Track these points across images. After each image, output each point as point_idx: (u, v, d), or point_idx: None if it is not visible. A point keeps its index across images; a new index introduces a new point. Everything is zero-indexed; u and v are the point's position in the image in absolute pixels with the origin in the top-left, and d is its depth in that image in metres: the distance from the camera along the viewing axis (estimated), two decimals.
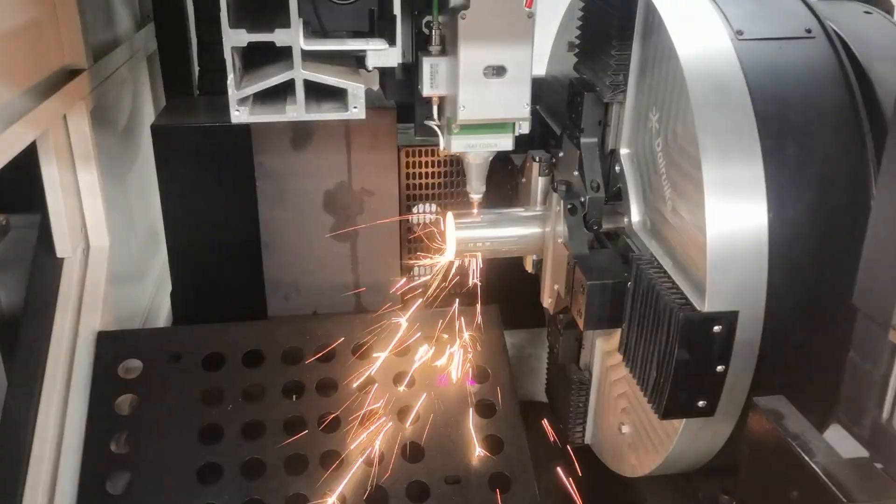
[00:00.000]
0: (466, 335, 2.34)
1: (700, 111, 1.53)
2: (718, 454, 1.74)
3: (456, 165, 2.46)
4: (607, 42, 1.79)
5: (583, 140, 1.91)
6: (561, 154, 2.07)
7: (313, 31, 1.70)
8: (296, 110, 1.69)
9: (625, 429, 1.92)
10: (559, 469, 2.12)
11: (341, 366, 2.31)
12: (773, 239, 1.51)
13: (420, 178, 2.48)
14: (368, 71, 1.79)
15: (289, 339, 2.35)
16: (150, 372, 2.26)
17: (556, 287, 2.08)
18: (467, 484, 2.09)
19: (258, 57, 1.75)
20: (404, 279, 2.53)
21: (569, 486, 2.08)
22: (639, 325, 1.66)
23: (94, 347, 2.28)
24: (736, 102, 1.56)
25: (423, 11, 1.79)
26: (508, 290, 2.43)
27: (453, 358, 2.31)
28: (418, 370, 2.30)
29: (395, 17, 1.67)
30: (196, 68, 3.12)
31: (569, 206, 1.91)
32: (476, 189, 2.03)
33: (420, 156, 2.45)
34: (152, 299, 3.04)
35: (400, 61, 1.75)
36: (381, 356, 2.31)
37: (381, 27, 1.73)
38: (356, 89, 1.71)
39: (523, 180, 2.24)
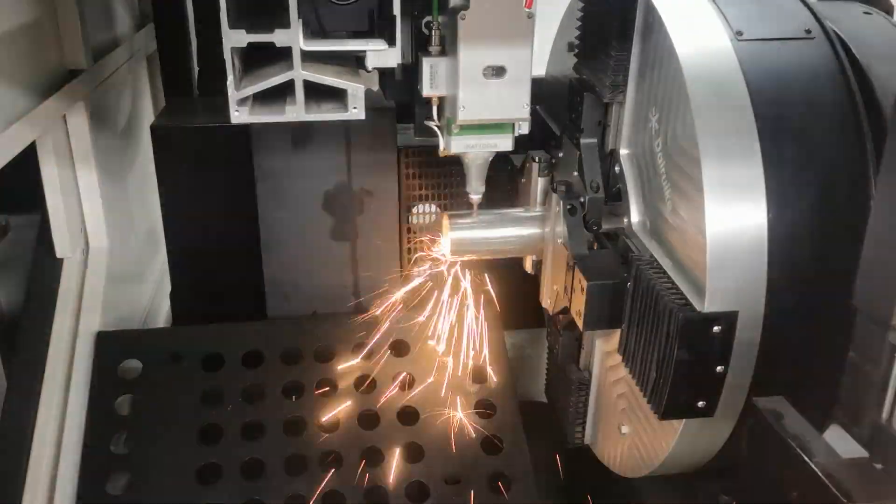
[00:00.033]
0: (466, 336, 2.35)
1: (700, 112, 1.53)
2: (718, 455, 1.73)
3: (456, 166, 2.45)
4: (607, 42, 1.79)
5: (582, 140, 1.91)
6: (560, 154, 2.07)
7: (313, 31, 1.70)
8: (295, 111, 1.69)
9: (624, 429, 1.92)
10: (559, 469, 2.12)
11: (341, 366, 2.31)
12: (773, 239, 1.51)
13: (420, 178, 2.48)
14: (368, 71, 1.79)
15: (288, 340, 2.35)
16: (150, 372, 2.26)
17: (555, 287, 2.08)
18: (467, 484, 2.10)
19: (258, 57, 1.75)
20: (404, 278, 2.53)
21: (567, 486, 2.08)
22: (638, 325, 1.66)
23: (94, 348, 2.28)
24: (735, 103, 1.56)
25: (422, 12, 1.79)
26: (508, 290, 2.42)
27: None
28: (418, 371, 2.30)
29: (394, 17, 1.66)
30: (196, 69, 3.12)
31: (568, 207, 1.91)
32: (475, 189, 2.03)
33: (420, 156, 2.45)
34: (152, 299, 3.04)
35: (400, 62, 1.75)
36: (381, 356, 2.32)
37: (380, 27, 1.73)
38: (356, 90, 1.71)
39: (523, 181, 2.24)
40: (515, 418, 2.23)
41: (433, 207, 2.51)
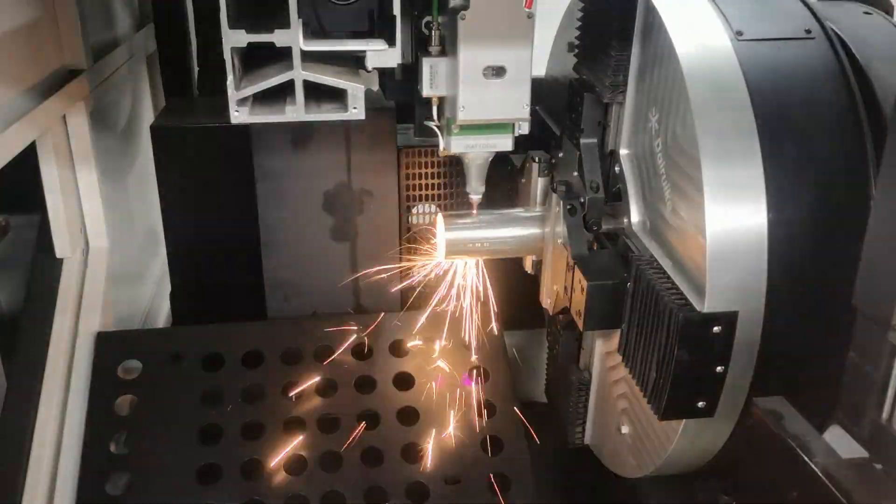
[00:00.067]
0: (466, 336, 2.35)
1: (700, 112, 1.53)
2: (718, 455, 1.73)
3: (455, 166, 2.46)
4: (607, 43, 1.79)
5: (582, 141, 1.91)
6: (560, 154, 2.07)
7: (313, 31, 1.70)
8: (295, 111, 1.69)
9: (624, 429, 1.92)
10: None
11: (340, 366, 2.31)
12: (773, 239, 1.51)
13: (420, 178, 2.48)
14: (368, 71, 1.79)
15: (288, 340, 2.35)
16: (150, 372, 2.26)
17: (555, 287, 2.08)
18: (467, 484, 2.09)
19: (258, 57, 1.75)
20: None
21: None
22: (638, 325, 1.66)
23: (94, 348, 2.28)
24: (735, 103, 1.56)
25: (422, 12, 1.79)
26: (508, 290, 2.42)
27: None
28: (418, 371, 2.30)
29: (394, 17, 1.67)
30: (195, 69, 3.12)
31: (568, 207, 1.91)
32: (475, 189, 2.03)
33: (420, 156, 2.45)
34: (152, 300, 3.04)
35: (399, 62, 1.75)
36: (380, 357, 2.32)
37: (380, 28, 1.73)
38: (356, 90, 1.71)
39: (523, 181, 2.24)
40: (515, 419, 2.23)
41: (433, 207, 2.51)
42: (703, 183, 1.49)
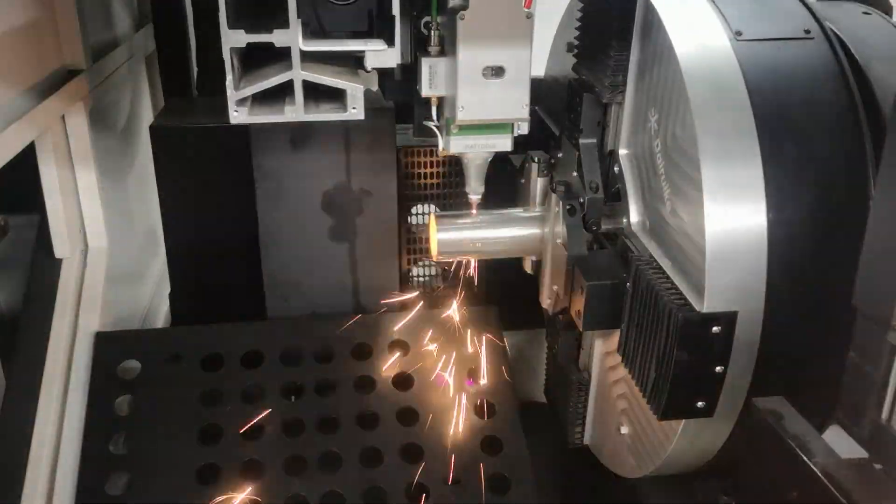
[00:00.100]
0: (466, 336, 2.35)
1: (699, 112, 1.53)
2: (717, 455, 1.73)
3: (455, 166, 2.46)
4: (606, 43, 1.79)
5: (582, 141, 1.91)
6: (560, 155, 2.07)
7: (312, 31, 1.69)
8: (294, 111, 1.69)
9: (624, 429, 1.92)
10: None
11: (340, 366, 2.31)
12: (773, 239, 1.51)
13: (419, 178, 2.48)
14: (367, 71, 1.79)
15: (288, 340, 2.35)
16: (149, 372, 2.26)
17: (555, 288, 2.08)
18: (466, 485, 2.09)
19: (257, 57, 1.75)
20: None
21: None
22: (638, 325, 1.66)
23: (93, 348, 2.28)
24: (735, 103, 1.56)
25: (421, 12, 1.79)
26: (507, 290, 2.42)
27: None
28: (417, 371, 2.30)
29: (393, 17, 1.66)
30: (195, 69, 3.12)
31: (567, 207, 1.91)
32: (475, 189, 2.03)
33: (419, 156, 2.45)
34: (151, 300, 3.03)
35: (399, 62, 1.75)
36: (379, 357, 2.32)
37: (379, 28, 1.73)
38: (355, 90, 1.71)
39: (522, 181, 2.24)
40: (514, 419, 2.23)
41: (432, 208, 2.51)
42: (703, 183, 1.49)
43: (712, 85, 1.56)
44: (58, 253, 2.36)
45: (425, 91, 1.81)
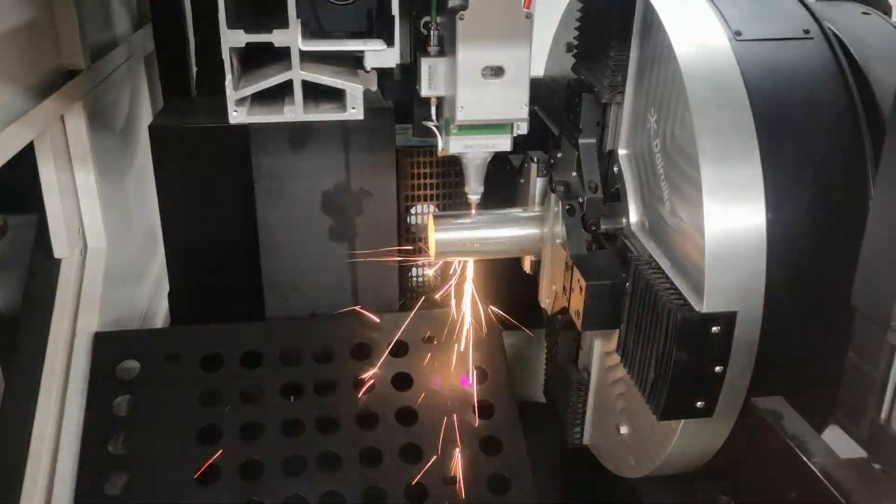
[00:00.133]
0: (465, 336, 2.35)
1: (698, 112, 1.53)
2: (717, 455, 1.73)
3: (454, 166, 2.46)
4: (605, 43, 1.79)
5: (581, 141, 1.91)
6: (559, 155, 2.07)
7: (311, 31, 1.69)
8: (294, 111, 1.69)
9: (623, 429, 1.92)
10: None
11: (339, 367, 2.30)
12: (772, 239, 1.51)
13: (418, 178, 2.48)
14: (367, 71, 1.79)
15: (287, 340, 2.35)
16: (148, 373, 2.26)
17: (554, 288, 2.08)
18: (466, 485, 2.09)
19: (256, 57, 1.75)
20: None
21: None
22: (637, 325, 1.66)
23: (92, 348, 2.28)
24: (734, 103, 1.56)
25: (421, 12, 1.79)
26: (507, 290, 2.42)
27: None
28: (417, 371, 2.30)
29: (393, 17, 1.66)
30: (194, 69, 3.12)
31: (567, 207, 1.91)
32: (474, 190, 2.02)
33: (418, 156, 2.45)
34: (150, 300, 3.03)
35: (398, 62, 1.75)
36: (379, 357, 2.32)
37: (379, 28, 1.73)
38: (354, 90, 1.70)
39: (521, 181, 2.24)
40: (514, 419, 2.23)
41: (432, 208, 2.51)
42: (702, 183, 1.49)
43: (712, 85, 1.56)
44: (57, 253, 2.36)
45: (425, 91, 1.81)
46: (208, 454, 2.09)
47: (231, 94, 1.65)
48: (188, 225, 2.45)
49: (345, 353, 2.33)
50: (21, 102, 2.03)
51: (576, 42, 1.99)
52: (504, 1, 1.67)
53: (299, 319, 2.45)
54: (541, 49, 2.28)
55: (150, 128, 2.37)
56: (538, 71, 2.42)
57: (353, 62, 1.82)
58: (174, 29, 3.09)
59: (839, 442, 1.33)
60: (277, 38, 1.60)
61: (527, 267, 2.22)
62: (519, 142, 1.90)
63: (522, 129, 1.85)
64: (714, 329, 1.49)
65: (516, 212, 2.18)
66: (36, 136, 2.14)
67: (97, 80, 2.48)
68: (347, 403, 2.22)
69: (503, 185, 2.26)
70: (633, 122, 1.82)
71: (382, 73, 2.00)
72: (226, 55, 1.61)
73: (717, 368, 1.53)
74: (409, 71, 1.89)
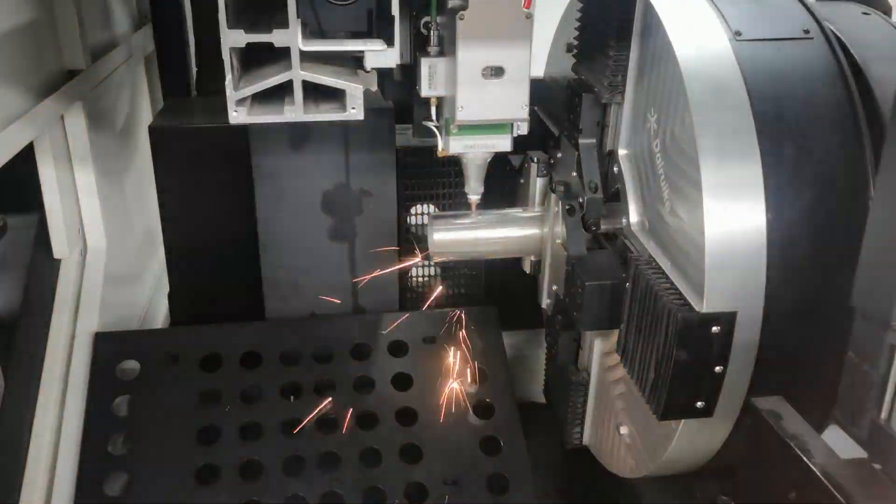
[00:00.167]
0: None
1: (698, 112, 1.53)
2: (717, 455, 1.73)
3: (454, 166, 2.46)
4: (605, 43, 1.79)
5: (581, 141, 1.91)
6: (559, 155, 2.07)
7: (311, 31, 1.69)
8: (294, 111, 1.69)
9: (623, 429, 1.92)
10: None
11: (339, 367, 2.30)
12: (772, 239, 1.51)
13: (418, 178, 2.48)
14: (367, 72, 1.79)
15: (286, 340, 2.35)
16: (148, 373, 2.26)
17: (554, 288, 2.08)
18: (465, 485, 2.09)
19: (256, 57, 1.74)
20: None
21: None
22: (637, 325, 1.66)
23: (92, 348, 2.28)
24: (734, 103, 1.56)
25: (421, 12, 1.79)
26: (506, 290, 2.42)
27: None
28: (417, 371, 2.30)
29: (393, 17, 1.66)
30: (194, 69, 3.12)
31: (567, 207, 1.91)
32: (474, 190, 2.02)
33: (418, 157, 2.45)
34: (150, 300, 3.03)
35: (398, 62, 1.75)
36: (379, 357, 2.32)
37: (379, 28, 1.73)
38: (354, 90, 1.70)
39: (521, 181, 2.24)
40: (513, 419, 2.23)
41: (432, 208, 2.51)
42: (702, 183, 1.49)
43: (711, 85, 1.56)
44: (56, 253, 2.36)
45: (425, 91, 1.81)
46: (208, 454, 2.09)
47: (231, 95, 1.65)
48: (188, 225, 2.45)
49: (344, 353, 2.33)
50: (21, 102, 2.03)
51: (576, 42, 1.99)
52: (504, 1, 1.67)
53: (299, 320, 2.45)
54: (541, 49, 2.28)
55: (150, 128, 2.37)
56: (538, 71, 2.42)
57: (353, 62, 1.82)
58: (174, 29, 3.09)
59: (839, 442, 1.33)
60: (277, 38, 1.60)
61: (527, 267, 2.22)
62: (519, 142, 1.90)
63: (522, 129, 1.85)
64: (714, 329, 1.49)
65: (516, 212, 2.18)
66: (36, 136, 2.14)
67: (97, 81, 2.48)
68: (347, 403, 2.22)
69: (503, 185, 2.26)
70: (633, 123, 1.82)
71: (382, 74, 2.00)
72: (226, 55, 1.61)
73: (717, 368, 1.53)
74: (409, 71, 1.89)
